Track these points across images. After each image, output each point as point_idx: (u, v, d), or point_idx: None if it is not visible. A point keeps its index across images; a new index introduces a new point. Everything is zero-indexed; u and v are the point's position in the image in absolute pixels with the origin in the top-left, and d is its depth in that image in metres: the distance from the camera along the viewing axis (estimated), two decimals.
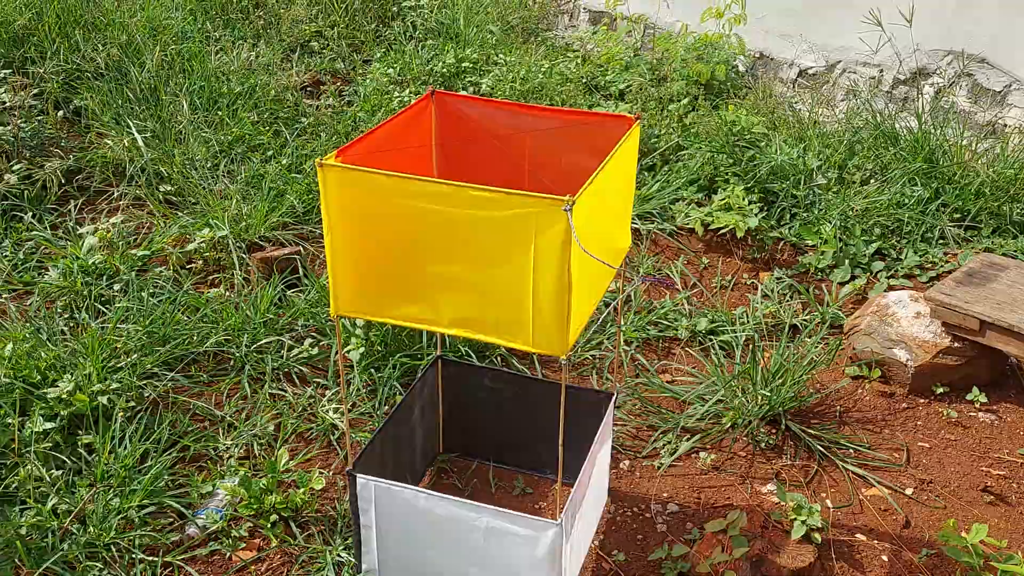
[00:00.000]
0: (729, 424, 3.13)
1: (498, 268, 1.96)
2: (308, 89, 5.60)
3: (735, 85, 5.42)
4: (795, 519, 2.61)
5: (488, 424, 2.92)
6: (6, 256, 3.86)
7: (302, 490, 2.75)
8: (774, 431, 3.12)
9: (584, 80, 5.57)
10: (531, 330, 1.99)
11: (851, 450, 3.07)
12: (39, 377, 3.02)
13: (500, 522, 2.29)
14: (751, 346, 3.40)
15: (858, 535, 2.72)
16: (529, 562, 2.31)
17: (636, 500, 2.87)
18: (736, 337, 3.55)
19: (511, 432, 2.90)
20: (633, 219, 4.23)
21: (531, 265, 1.92)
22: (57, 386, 2.96)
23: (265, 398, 3.20)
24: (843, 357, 3.51)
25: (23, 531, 2.51)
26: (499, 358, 3.37)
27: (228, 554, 2.63)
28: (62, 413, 2.92)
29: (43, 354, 3.13)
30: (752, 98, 5.17)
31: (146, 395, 3.11)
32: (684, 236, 4.23)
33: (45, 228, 4.06)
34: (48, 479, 2.74)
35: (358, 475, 2.39)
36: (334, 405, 3.16)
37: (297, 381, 3.30)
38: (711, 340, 3.58)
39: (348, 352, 3.29)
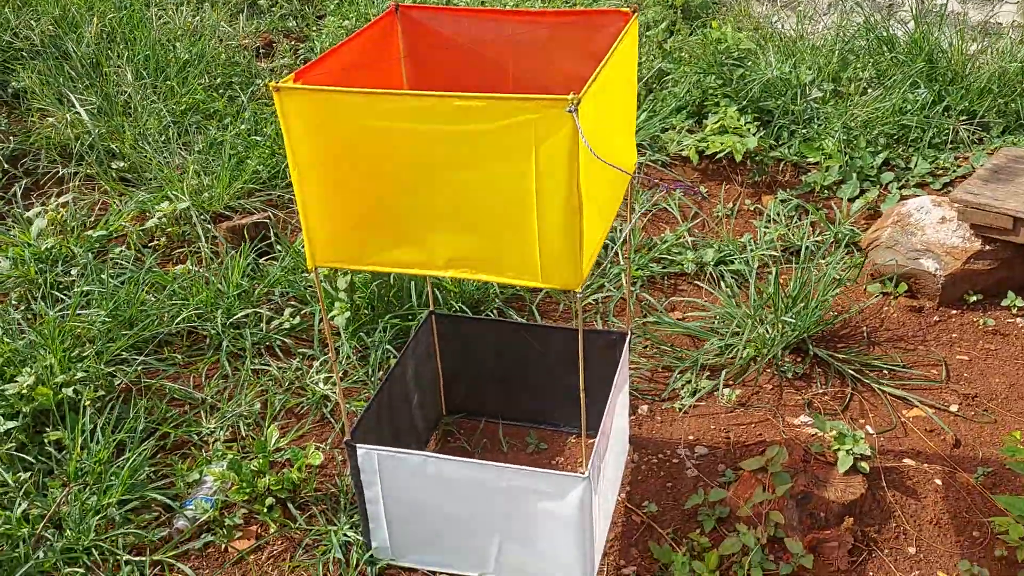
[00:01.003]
0: (751, 356, 2.90)
1: (494, 191, 1.69)
2: (261, 50, 5.26)
3: (712, 6, 5.14)
4: (839, 449, 2.40)
5: (492, 379, 2.68)
6: None
7: (298, 468, 2.49)
8: (800, 359, 2.90)
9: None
10: (539, 263, 1.73)
11: (885, 371, 2.85)
12: None
13: (522, 480, 2.06)
14: (772, 271, 3.16)
15: (906, 460, 2.51)
16: (558, 520, 2.07)
17: (661, 446, 2.64)
18: (748, 266, 3.32)
19: (517, 386, 2.65)
20: None
21: (534, 184, 1.65)
22: (16, 381, 2.68)
23: (248, 375, 2.93)
24: (864, 275, 3.28)
25: None
26: (496, 311, 3.12)
27: (224, 545, 2.38)
28: (24, 410, 2.64)
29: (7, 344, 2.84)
30: (732, 19, 4.90)
31: (116, 383, 2.83)
32: (678, 166, 3.98)
33: None
34: (14, 483, 2.47)
35: (358, 445, 2.14)
36: (324, 375, 2.90)
37: (281, 354, 3.03)
38: (720, 271, 3.34)
39: (333, 318, 3.03)
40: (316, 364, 2.96)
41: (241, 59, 5.00)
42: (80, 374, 2.75)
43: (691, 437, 2.67)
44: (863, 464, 2.38)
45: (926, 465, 2.49)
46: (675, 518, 2.40)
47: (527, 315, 3.16)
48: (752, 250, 3.40)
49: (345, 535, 2.36)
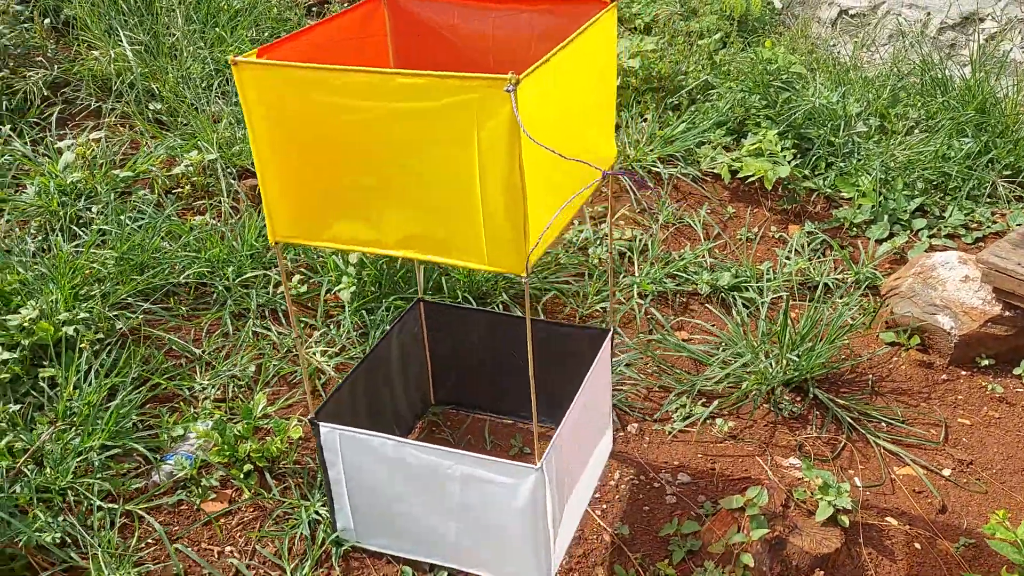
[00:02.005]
0: (750, 389, 2.86)
1: (439, 171, 1.69)
2: (313, 8, 5.24)
3: (770, 22, 5.05)
4: (821, 499, 2.36)
5: (479, 372, 2.67)
6: None
7: (279, 439, 2.51)
8: (799, 399, 2.86)
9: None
10: (484, 245, 1.73)
11: (884, 424, 2.80)
12: (0, 303, 2.77)
13: (476, 469, 2.06)
14: (781, 305, 3.11)
15: (889, 518, 2.47)
16: (510, 512, 2.07)
17: (644, 468, 2.62)
18: (762, 295, 3.27)
19: (505, 379, 2.64)
20: (654, 162, 3.92)
21: (476, 165, 1.64)
22: (19, 313, 2.71)
23: (248, 336, 2.95)
24: (878, 322, 3.22)
25: None
26: (501, 304, 3.10)
27: (196, 504, 2.40)
28: (24, 343, 2.67)
29: (7, 277, 2.88)
30: (788, 37, 4.80)
31: (117, 327, 2.85)
32: (709, 182, 3.92)
33: (25, 143, 3.77)
34: (3, 414, 2.50)
35: (321, 423, 2.14)
36: (321, 347, 2.91)
37: (283, 319, 3.04)
38: (734, 296, 3.30)
39: (339, 291, 3.03)
40: (316, 335, 2.96)
41: (292, 16, 4.99)
42: (83, 314, 2.77)
43: (676, 463, 2.65)
44: (843, 517, 2.34)
45: (908, 527, 2.45)
46: (646, 543, 2.38)
47: (532, 312, 3.14)
48: (769, 280, 3.35)
49: (316, 512, 2.37)
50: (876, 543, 2.37)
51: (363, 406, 2.38)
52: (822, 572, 2.24)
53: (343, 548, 2.29)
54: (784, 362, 2.85)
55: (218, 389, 2.75)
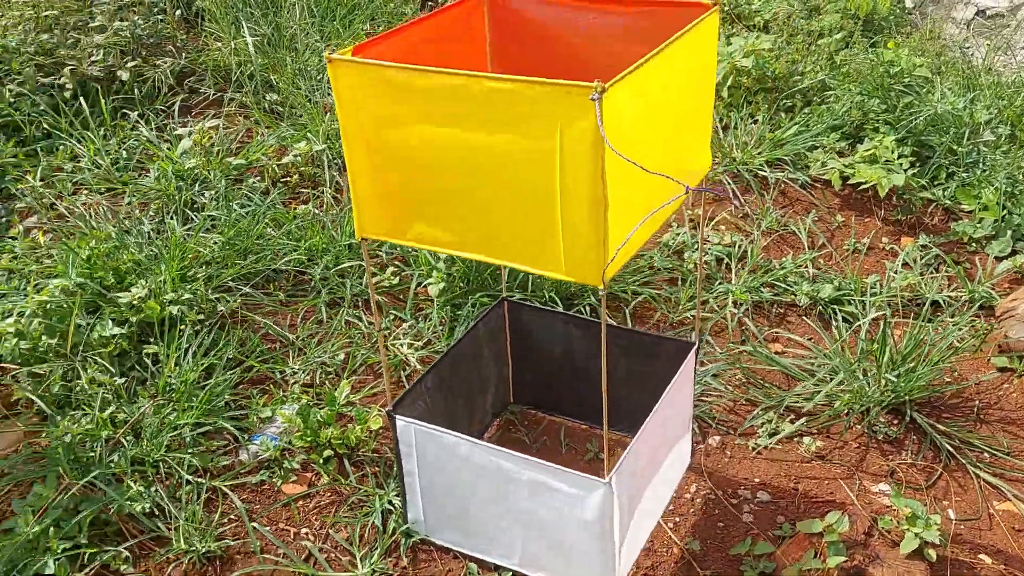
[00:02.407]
0: (844, 408, 2.74)
1: (521, 178, 1.67)
2: (429, 3, 5.32)
3: (899, 22, 4.81)
4: (907, 529, 2.24)
5: (559, 374, 2.65)
6: (109, 154, 3.81)
7: (359, 428, 2.57)
8: (896, 422, 2.72)
9: (726, 7, 5.07)
10: (562, 254, 1.70)
11: (986, 454, 2.64)
12: (113, 280, 2.94)
13: (544, 477, 2.04)
14: (890, 320, 2.97)
15: (982, 556, 2.32)
16: (575, 524, 2.05)
17: (723, 482, 2.56)
18: (865, 309, 3.12)
19: (583, 384, 2.62)
20: (761, 165, 3.80)
21: (558, 173, 1.61)
22: (130, 291, 2.87)
23: (340, 325, 3.03)
24: (990, 345, 3.03)
25: (68, 439, 2.43)
26: (588, 308, 3.07)
27: (277, 486, 2.49)
28: (132, 319, 2.83)
29: (123, 256, 3.05)
30: (917, 38, 4.56)
31: (218, 309, 2.98)
32: (818, 188, 3.77)
33: (151, 128, 3.99)
34: (109, 386, 2.65)
35: (398, 416, 2.18)
36: (408, 340, 2.96)
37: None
38: (834, 310, 3.16)
39: (428, 285, 3.07)
40: (404, 327, 3.02)
41: (408, 10, 5.09)
42: (187, 295, 2.91)
43: (757, 480, 2.57)
44: (930, 551, 2.22)
45: (1004, 567, 2.30)
46: (717, 561, 2.32)
47: (621, 318, 3.11)
48: (875, 294, 3.20)
49: (390, 502, 2.41)
50: None
51: (441, 401, 2.41)
52: None
53: (412, 540, 2.33)
54: (881, 381, 2.72)
55: (308, 374, 2.84)
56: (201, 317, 2.91)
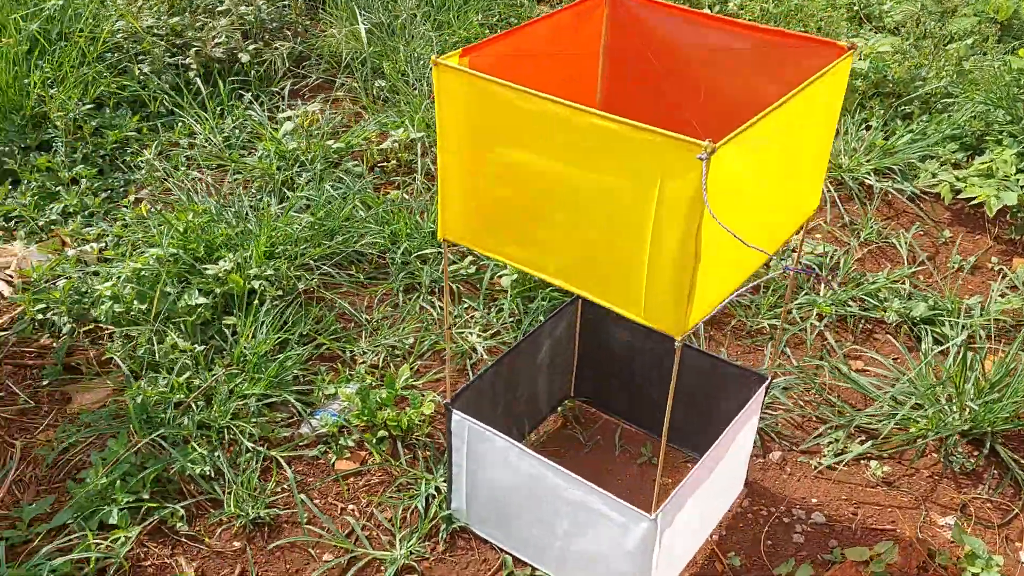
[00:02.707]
0: (919, 433, 2.59)
1: (612, 217, 1.62)
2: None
3: None
4: (965, 568, 2.10)
5: (623, 378, 2.62)
6: (223, 132, 4.01)
7: (414, 412, 2.61)
8: (975, 452, 2.55)
9: (854, 6, 4.84)
10: (643, 299, 1.65)
11: None
12: (204, 253, 3.10)
13: (591, 499, 2.02)
14: (969, 345, 2.78)
15: None
16: (616, 550, 2.02)
17: (778, 500, 2.46)
18: (958, 332, 2.93)
19: (646, 392, 2.57)
20: (868, 173, 3.62)
21: (651, 221, 1.55)
22: (218, 264, 3.02)
23: (414, 309, 3.09)
24: None
25: (140, 399, 2.58)
26: None
27: (332, 461, 2.57)
28: (216, 291, 2.97)
29: (217, 230, 3.21)
30: None
31: (299, 286, 3.10)
32: (927, 201, 3.56)
33: (263, 109, 4.17)
34: (189, 352, 2.81)
35: (454, 411, 2.20)
36: (478, 329, 2.99)
37: (450, 298, 3.15)
38: (925, 330, 2.98)
39: (500, 277, 3.09)
40: (476, 315, 3.05)
41: (524, 2, 5.10)
42: (270, 271, 3.04)
43: (815, 501, 2.46)
44: None
45: None
46: None
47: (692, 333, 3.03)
48: (972, 316, 3.00)
49: (436, 487, 2.45)
50: None
51: (502, 392, 2.41)
52: None
53: (452, 527, 2.36)
54: (964, 409, 2.55)
55: (376, 356, 2.91)
56: (280, 293, 3.03)
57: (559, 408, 2.75)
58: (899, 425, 2.63)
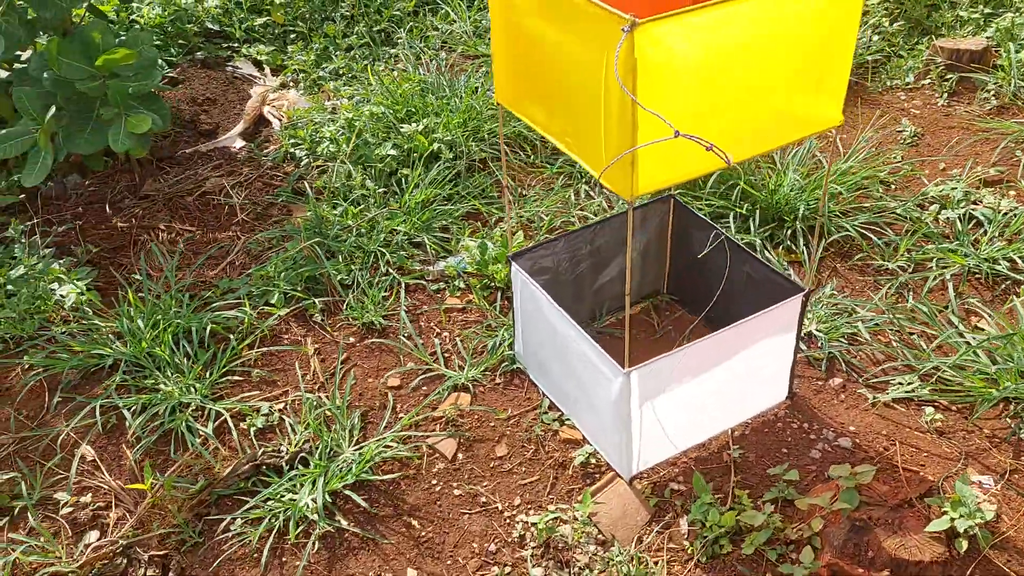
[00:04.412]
0: (999, 398, 2.48)
1: (582, 84, 1.87)
2: None
3: None
4: (947, 511, 2.09)
5: (703, 281, 2.77)
6: (475, 23, 4.54)
7: (506, 269, 2.99)
8: None
9: None
10: (604, 162, 1.88)
11: None
12: (405, 114, 3.66)
13: (588, 351, 2.30)
14: None
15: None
16: (605, 399, 2.30)
17: (816, 418, 2.53)
18: None
19: (719, 301, 2.71)
20: None
21: (602, 87, 1.79)
22: (412, 125, 3.57)
23: (567, 193, 3.41)
24: None
25: (310, 215, 3.22)
26: (789, 231, 3.06)
27: (444, 296, 3.04)
28: (404, 146, 3.53)
29: (423, 100, 3.75)
30: None
31: (471, 152, 3.54)
32: None
33: None
34: (371, 191, 3.40)
35: (514, 261, 2.55)
36: (599, 201, 3.27)
37: (600, 188, 3.43)
38: None
39: None
40: (582, 192, 3.31)
41: None
42: (449, 136, 3.53)
43: (852, 428, 2.50)
44: (962, 541, 2.06)
45: None
46: (753, 475, 2.38)
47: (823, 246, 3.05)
48: None
49: (511, 332, 2.83)
50: None
51: (588, 269, 2.72)
52: (888, 572, 2.04)
53: (514, 366, 2.74)
54: None
55: (517, 223, 3.31)
56: (452, 155, 3.51)
57: (649, 299, 2.97)
58: (982, 380, 2.53)
